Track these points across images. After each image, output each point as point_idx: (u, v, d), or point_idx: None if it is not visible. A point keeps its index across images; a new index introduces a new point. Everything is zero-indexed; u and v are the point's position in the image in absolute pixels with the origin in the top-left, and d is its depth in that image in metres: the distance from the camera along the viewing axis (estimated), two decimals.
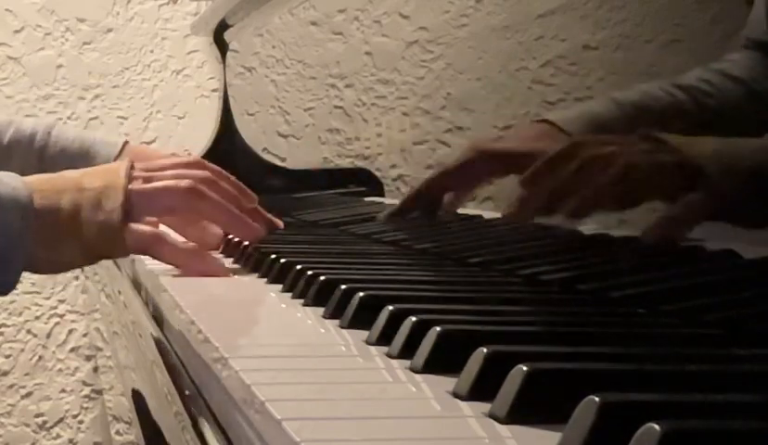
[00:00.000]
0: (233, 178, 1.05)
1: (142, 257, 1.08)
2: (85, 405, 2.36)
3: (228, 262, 1.06)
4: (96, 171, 1.00)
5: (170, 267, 1.00)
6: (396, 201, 1.26)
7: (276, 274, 0.89)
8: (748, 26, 0.65)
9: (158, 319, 0.84)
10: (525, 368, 0.45)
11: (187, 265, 0.97)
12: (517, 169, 0.85)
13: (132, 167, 0.99)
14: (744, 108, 0.67)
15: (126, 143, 1.39)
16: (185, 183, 0.98)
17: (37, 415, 2.35)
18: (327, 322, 0.70)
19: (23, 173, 0.98)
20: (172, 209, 1.00)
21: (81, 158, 1.35)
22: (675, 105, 0.68)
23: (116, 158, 1.36)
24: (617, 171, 0.77)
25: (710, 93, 0.67)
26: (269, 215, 1.11)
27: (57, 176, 0.99)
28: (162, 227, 1.12)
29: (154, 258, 0.99)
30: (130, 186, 0.97)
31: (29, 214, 0.93)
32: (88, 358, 2.35)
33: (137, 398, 0.85)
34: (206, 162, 1.06)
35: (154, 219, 1.02)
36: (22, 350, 2.34)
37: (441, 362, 0.53)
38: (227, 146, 2.02)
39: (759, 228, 0.68)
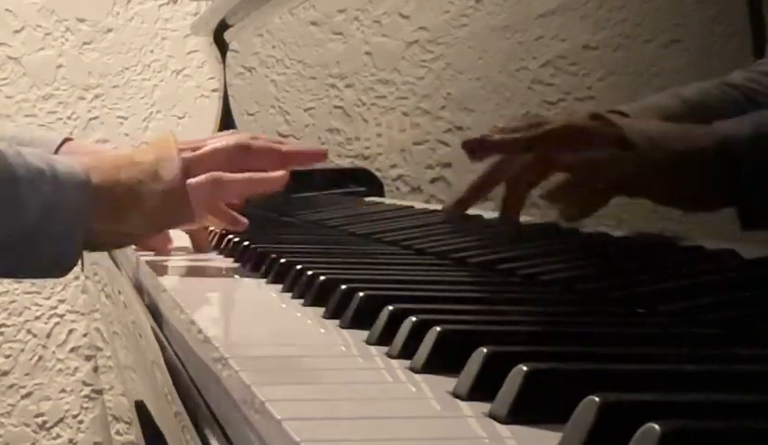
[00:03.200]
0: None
1: (143, 257, 1.08)
2: (85, 405, 2.36)
3: (228, 262, 1.06)
4: (145, 147, 1.03)
5: (169, 267, 0.99)
6: (396, 201, 1.26)
7: (276, 274, 0.89)
8: None
9: (158, 319, 0.84)
10: (525, 368, 0.45)
11: (256, 189, 1.04)
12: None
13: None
14: None
15: (66, 140, 1.35)
16: (231, 140, 1.04)
17: (37, 415, 2.35)
18: (327, 322, 0.70)
19: None
20: (225, 168, 1.02)
21: None
22: (733, 103, 0.67)
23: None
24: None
25: (759, 91, 0.66)
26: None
27: (107, 155, 1.02)
28: (179, 233, 1.13)
29: (224, 201, 1.04)
30: (182, 155, 0.99)
31: (88, 191, 0.94)
32: (88, 358, 2.34)
33: (141, 408, 0.85)
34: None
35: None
36: (22, 350, 2.34)
37: (441, 362, 0.53)
38: None
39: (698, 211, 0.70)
